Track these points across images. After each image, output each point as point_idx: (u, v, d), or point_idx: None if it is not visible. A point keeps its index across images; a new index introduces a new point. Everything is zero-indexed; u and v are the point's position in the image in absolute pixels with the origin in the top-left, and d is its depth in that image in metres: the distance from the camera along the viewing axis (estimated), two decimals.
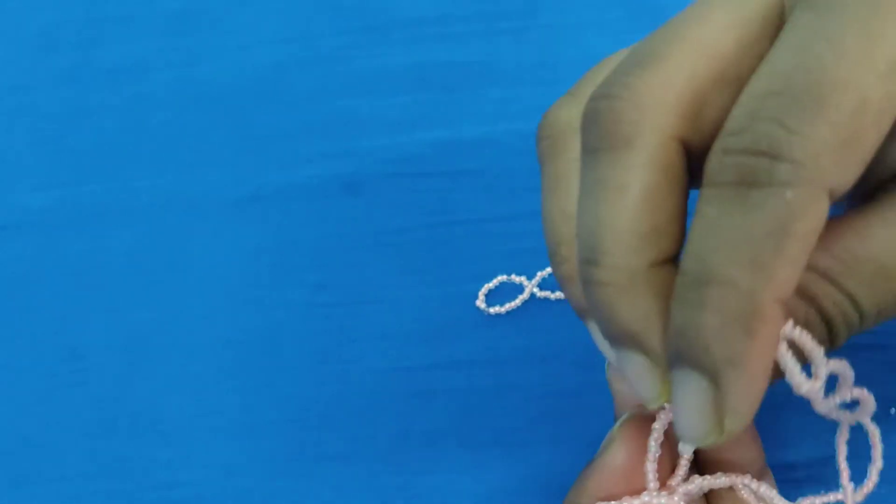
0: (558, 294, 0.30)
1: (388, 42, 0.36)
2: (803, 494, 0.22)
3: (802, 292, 0.16)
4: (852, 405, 0.19)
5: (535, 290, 0.30)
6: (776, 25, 0.17)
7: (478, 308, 0.30)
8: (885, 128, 0.15)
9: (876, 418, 0.27)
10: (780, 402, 0.27)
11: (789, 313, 0.16)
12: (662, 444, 0.21)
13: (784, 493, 0.22)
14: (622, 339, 0.18)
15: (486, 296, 0.30)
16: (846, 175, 0.15)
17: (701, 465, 0.23)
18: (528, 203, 0.32)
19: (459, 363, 0.30)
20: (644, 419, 0.22)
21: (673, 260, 0.18)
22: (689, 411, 0.17)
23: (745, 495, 0.21)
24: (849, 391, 0.19)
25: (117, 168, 0.35)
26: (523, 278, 0.30)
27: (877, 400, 0.27)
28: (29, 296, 0.32)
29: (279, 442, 0.29)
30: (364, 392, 0.29)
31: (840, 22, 0.15)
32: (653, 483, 0.21)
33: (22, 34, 0.39)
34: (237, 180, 0.34)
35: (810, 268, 0.16)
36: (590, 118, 0.18)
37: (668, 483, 0.21)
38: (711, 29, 0.17)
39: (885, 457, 0.26)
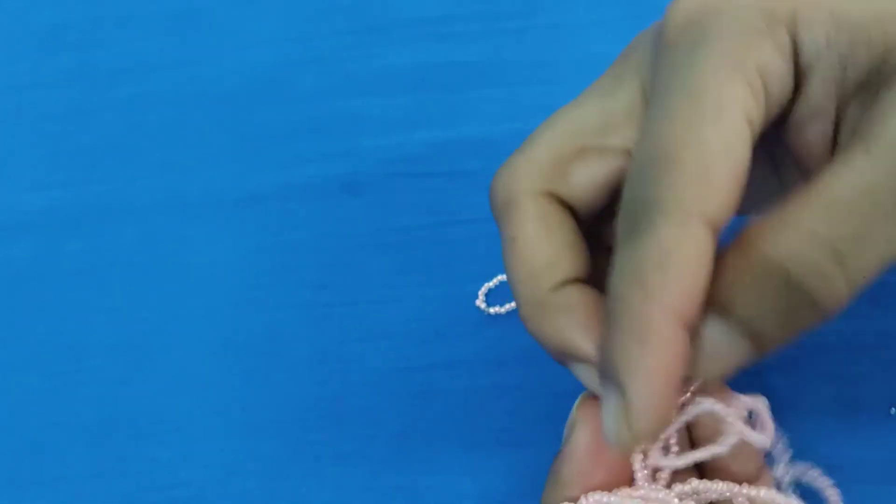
0: None
1: (388, 42, 0.36)
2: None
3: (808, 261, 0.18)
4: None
5: None
6: (643, 103, 0.22)
7: (478, 308, 0.30)
8: (740, 164, 0.18)
9: (876, 418, 0.27)
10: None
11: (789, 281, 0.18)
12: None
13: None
14: (560, 356, 0.21)
15: (486, 296, 0.30)
16: (715, 209, 0.18)
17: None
18: None
19: (459, 363, 0.30)
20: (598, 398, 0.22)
21: (585, 279, 0.22)
22: (608, 418, 0.19)
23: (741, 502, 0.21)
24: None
25: (117, 168, 0.35)
26: None
27: (877, 400, 0.28)
28: (29, 296, 0.32)
29: (279, 442, 0.29)
30: (364, 392, 0.29)
31: (673, 97, 0.19)
32: (640, 474, 0.21)
33: (22, 34, 0.39)
34: (237, 180, 0.34)
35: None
36: (491, 192, 0.23)
37: (654, 469, 0.21)
38: (577, 114, 0.23)
39: (885, 457, 0.27)
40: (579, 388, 0.26)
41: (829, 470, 0.22)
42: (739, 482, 0.22)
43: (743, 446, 0.22)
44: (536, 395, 0.29)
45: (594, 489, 0.21)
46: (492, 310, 0.30)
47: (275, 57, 0.37)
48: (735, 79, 0.19)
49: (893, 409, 0.27)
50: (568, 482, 0.21)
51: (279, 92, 0.36)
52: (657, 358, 0.18)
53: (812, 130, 0.21)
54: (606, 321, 0.19)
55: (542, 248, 0.22)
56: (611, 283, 0.19)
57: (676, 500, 0.21)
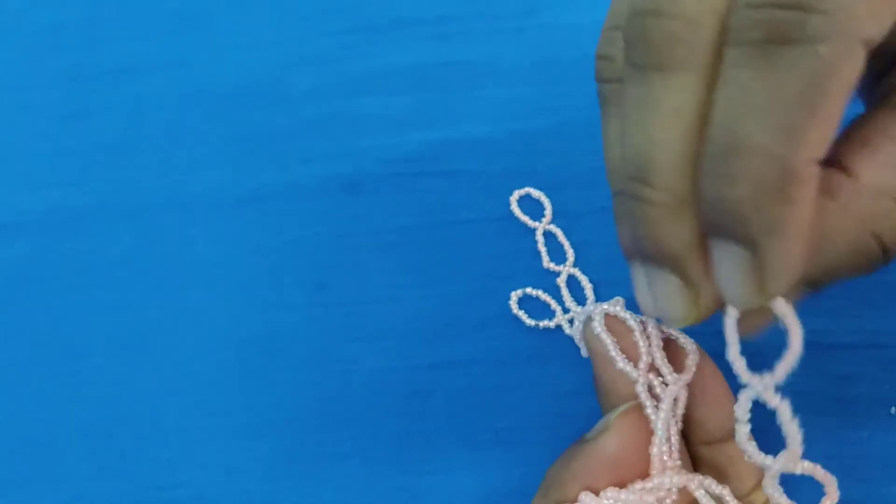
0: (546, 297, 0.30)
1: (388, 42, 0.36)
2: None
3: (859, 214, 0.16)
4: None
5: (536, 293, 0.30)
6: None
7: (476, 308, 0.30)
8: None
9: (876, 418, 0.27)
10: None
11: (844, 235, 0.16)
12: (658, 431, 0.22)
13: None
14: (660, 259, 0.18)
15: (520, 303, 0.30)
16: (880, 23, 0.14)
17: (697, 462, 0.23)
18: None
19: (459, 363, 0.30)
20: (640, 411, 0.22)
21: None
22: (732, 280, 0.17)
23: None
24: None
25: (117, 168, 0.35)
26: (547, 296, 0.31)
27: (877, 400, 0.28)
28: (29, 295, 0.32)
29: (279, 442, 0.29)
30: (364, 392, 0.30)
31: None
32: (658, 465, 0.21)
33: (22, 34, 0.39)
34: (237, 180, 0.34)
35: (871, 187, 0.16)
36: (638, 34, 0.17)
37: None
38: None
39: (885, 457, 0.27)
40: (580, 388, 0.26)
41: (829, 470, 0.22)
42: (718, 440, 0.23)
43: (717, 403, 0.22)
44: (536, 395, 0.29)
45: (594, 492, 0.21)
46: (530, 321, 0.30)
47: (275, 57, 0.37)
48: None
49: (893, 408, 0.27)
50: (576, 475, 0.21)
51: (279, 92, 0.36)
52: (802, 211, 0.15)
53: None
54: (717, 170, 0.16)
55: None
56: (727, 120, 0.15)
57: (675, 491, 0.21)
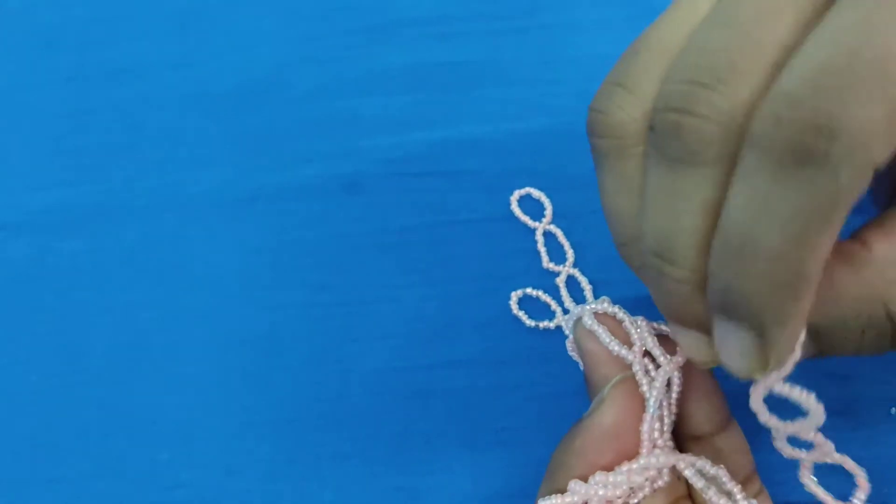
0: (546, 297, 0.30)
1: (388, 42, 0.36)
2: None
3: (868, 280, 0.18)
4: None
5: (537, 292, 0.30)
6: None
7: (476, 308, 0.30)
8: None
9: (876, 418, 0.27)
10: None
11: (867, 312, 0.18)
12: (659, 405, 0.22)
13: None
14: (690, 324, 0.19)
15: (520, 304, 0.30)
16: (892, 149, 0.15)
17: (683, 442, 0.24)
18: None
19: (459, 363, 0.30)
20: (634, 382, 0.22)
21: None
22: (735, 355, 0.18)
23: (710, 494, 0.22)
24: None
25: (117, 168, 0.35)
26: (547, 297, 0.31)
27: (877, 400, 0.28)
28: (29, 295, 0.32)
29: (279, 442, 0.29)
30: (364, 392, 0.29)
31: None
32: (647, 443, 0.21)
33: (22, 34, 0.39)
34: (237, 180, 0.34)
35: (881, 258, 0.18)
36: (672, 131, 0.18)
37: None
38: (774, 21, 0.17)
39: (885, 457, 0.27)
40: (580, 388, 0.26)
41: (830, 469, 0.22)
42: (707, 433, 0.23)
43: (705, 396, 0.23)
44: (536, 395, 0.29)
45: (599, 468, 0.21)
46: (531, 322, 0.30)
47: (275, 57, 0.37)
48: None
49: (893, 408, 0.27)
50: (580, 452, 0.22)
51: (279, 92, 0.36)
52: (805, 306, 0.17)
53: None
54: (732, 264, 0.17)
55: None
56: (745, 221, 0.16)
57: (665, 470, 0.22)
